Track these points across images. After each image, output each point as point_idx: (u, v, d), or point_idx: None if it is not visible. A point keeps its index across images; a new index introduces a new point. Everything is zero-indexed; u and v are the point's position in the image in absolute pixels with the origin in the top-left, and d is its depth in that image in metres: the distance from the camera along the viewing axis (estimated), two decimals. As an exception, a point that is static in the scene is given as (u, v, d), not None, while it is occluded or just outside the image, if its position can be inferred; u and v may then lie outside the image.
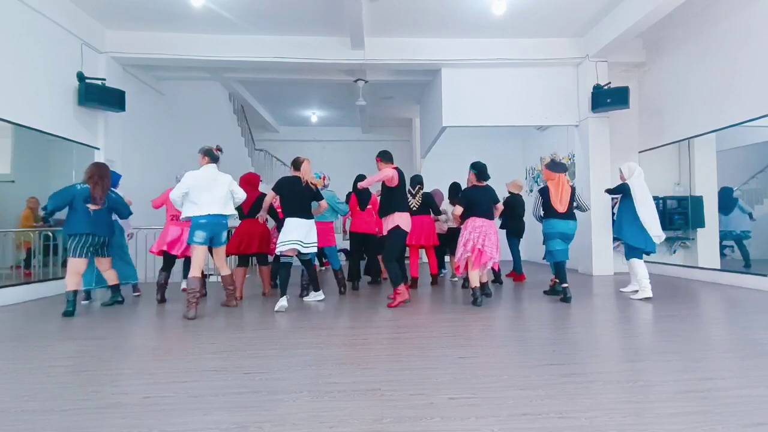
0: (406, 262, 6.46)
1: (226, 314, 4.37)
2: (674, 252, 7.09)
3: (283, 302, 4.41)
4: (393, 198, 4.66)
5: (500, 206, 4.88)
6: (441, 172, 9.49)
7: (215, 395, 2.21)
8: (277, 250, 4.52)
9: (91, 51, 6.53)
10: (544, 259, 5.20)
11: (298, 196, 4.55)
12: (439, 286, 6.11)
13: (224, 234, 4.47)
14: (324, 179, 5.61)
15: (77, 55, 6.24)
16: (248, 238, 5.09)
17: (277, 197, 4.71)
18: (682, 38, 6.71)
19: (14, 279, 5.65)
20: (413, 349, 3.02)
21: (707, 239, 6.51)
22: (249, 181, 5.30)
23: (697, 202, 6.59)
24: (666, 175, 7.21)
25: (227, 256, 4.83)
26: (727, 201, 6.22)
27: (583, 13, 6.59)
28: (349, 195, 6.15)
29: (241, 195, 4.54)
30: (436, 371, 2.54)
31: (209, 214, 4.27)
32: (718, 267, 6.24)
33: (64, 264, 5.08)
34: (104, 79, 6.48)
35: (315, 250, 4.64)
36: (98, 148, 6.65)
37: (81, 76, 6.18)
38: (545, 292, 5.22)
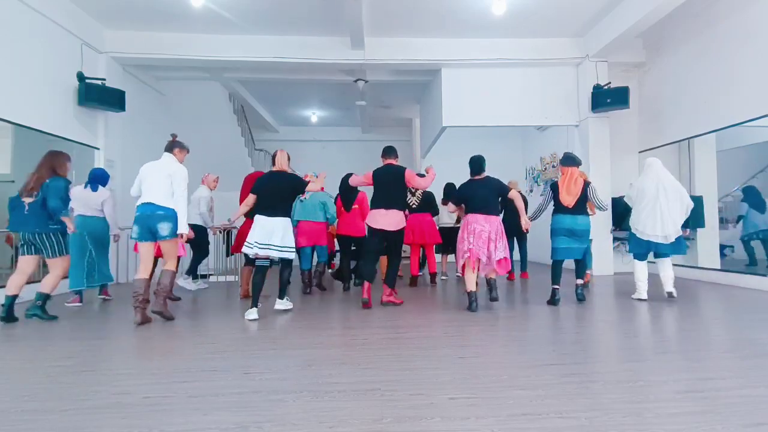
0: (406, 262, 6.44)
1: (225, 314, 4.37)
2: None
3: (252, 314, 4.01)
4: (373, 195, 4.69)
5: (514, 194, 4.49)
6: (441, 172, 9.42)
7: (215, 395, 2.21)
8: (246, 251, 4.14)
9: (91, 51, 6.53)
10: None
11: (272, 193, 4.18)
12: (439, 287, 6.10)
13: (164, 226, 3.88)
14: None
15: (77, 55, 6.24)
16: (240, 238, 5.08)
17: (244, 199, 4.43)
18: (682, 38, 6.71)
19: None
20: (413, 349, 3.02)
21: (707, 239, 6.51)
22: (251, 180, 5.27)
23: (697, 202, 6.60)
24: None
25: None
26: (757, 199, 6.20)
27: (583, 13, 6.59)
28: (336, 197, 5.90)
29: (178, 189, 3.97)
30: (436, 371, 2.54)
31: (143, 204, 3.92)
32: (718, 267, 6.24)
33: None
34: (104, 79, 6.48)
35: (290, 255, 4.18)
36: (98, 148, 6.65)
37: (81, 76, 6.18)
38: (578, 298, 4.68)
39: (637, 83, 7.66)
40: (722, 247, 6.43)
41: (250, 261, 5.18)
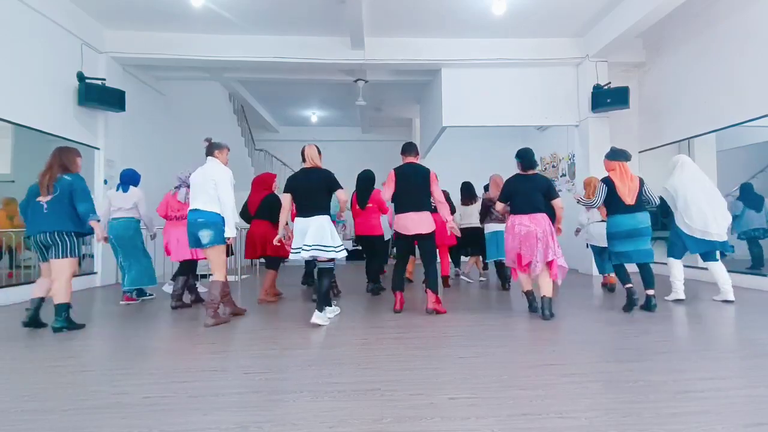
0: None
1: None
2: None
3: (320, 317, 3.80)
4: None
5: (559, 204, 4.12)
6: (441, 172, 9.43)
7: (215, 395, 2.21)
8: (294, 256, 3.98)
9: (91, 51, 6.53)
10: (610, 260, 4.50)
11: (304, 191, 3.96)
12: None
13: (205, 234, 3.84)
14: None
15: (77, 55, 6.24)
16: (252, 241, 5.05)
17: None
18: (682, 38, 6.71)
19: (13, 279, 5.65)
20: (413, 349, 3.02)
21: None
22: (261, 181, 5.25)
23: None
24: (665, 175, 7.19)
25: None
26: (754, 197, 6.12)
27: (583, 13, 6.60)
28: (351, 195, 5.71)
29: (223, 193, 3.89)
30: (436, 371, 2.54)
31: (190, 211, 3.95)
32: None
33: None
34: (104, 79, 6.49)
35: (332, 255, 3.86)
36: (98, 148, 6.66)
37: (81, 76, 6.19)
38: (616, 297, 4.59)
39: (637, 83, 7.66)
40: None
41: (272, 265, 5.13)
